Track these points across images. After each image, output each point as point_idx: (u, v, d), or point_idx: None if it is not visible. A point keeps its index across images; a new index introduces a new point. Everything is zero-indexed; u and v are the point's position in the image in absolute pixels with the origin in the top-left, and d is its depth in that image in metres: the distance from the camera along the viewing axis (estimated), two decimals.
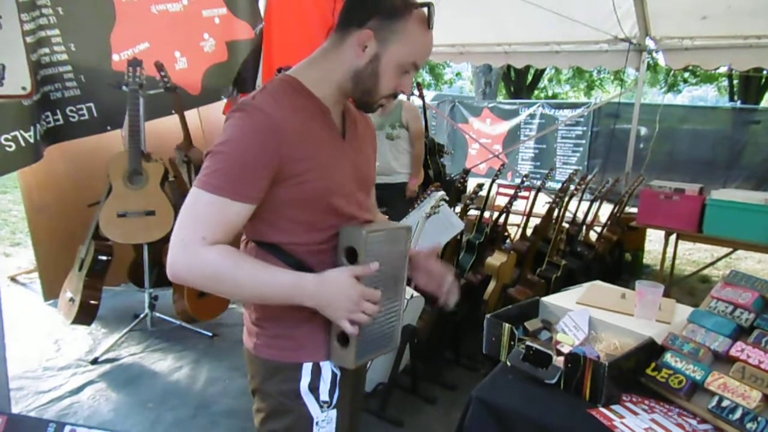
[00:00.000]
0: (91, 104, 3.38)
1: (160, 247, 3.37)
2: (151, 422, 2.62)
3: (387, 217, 1.50)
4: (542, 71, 15.42)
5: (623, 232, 5.14)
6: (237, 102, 1.13)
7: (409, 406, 2.82)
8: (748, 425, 1.27)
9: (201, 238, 1.04)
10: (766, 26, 4.81)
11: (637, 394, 1.48)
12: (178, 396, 2.86)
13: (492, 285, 3.42)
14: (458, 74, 21.08)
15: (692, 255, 6.44)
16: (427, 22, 1.14)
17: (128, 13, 3.42)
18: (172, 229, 3.03)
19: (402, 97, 4.03)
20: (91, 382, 2.94)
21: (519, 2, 4.87)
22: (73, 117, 3.35)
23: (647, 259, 5.87)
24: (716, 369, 1.44)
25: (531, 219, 4.14)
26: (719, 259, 5.49)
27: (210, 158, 1.08)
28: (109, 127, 3.51)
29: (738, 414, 1.30)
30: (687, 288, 5.20)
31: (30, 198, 3.87)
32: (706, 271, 5.55)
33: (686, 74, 15.61)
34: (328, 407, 1.21)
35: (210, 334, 3.51)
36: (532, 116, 11.15)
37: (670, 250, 4.48)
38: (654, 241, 5.87)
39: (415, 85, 4.02)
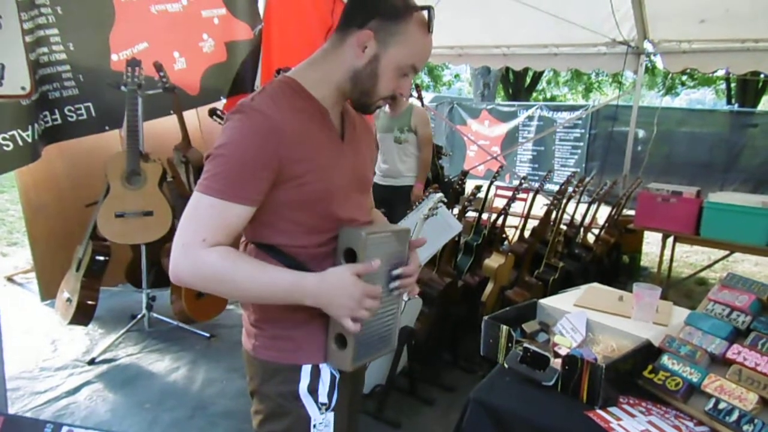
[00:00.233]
0: (90, 104, 3.38)
1: (158, 248, 3.37)
2: (149, 423, 2.61)
3: (386, 217, 1.50)
4: (540, 73, 15.45)
5: (621, 234, 5.15)
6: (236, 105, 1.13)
7: (406, 407, 2.82)
8: (745, 427, 1.28)
9: (201, 240, 1.04)
10: (764, 30, 4.83)
11: (634, 396, 1.49)
12: (175, 397, 2.85)
13: (490, 287, 3.43)
14: (457, 76, 21.14)
15: (689, 257, 6.46)
16: (427, 26, 1.15)
17: (127, 13, 3.42)
18: (170, 230, 3.01)
19: (414, 101, 4.05)
20: (88, 383, 2.93)
21: (518, 5, 4.88)
22: (72, 117, 3.34)
23: (645, 262, 5.88)
24: (713, 371, 1.44)
25: (529, 221, 4.15)
26: (716, 262, 5.50)
27: (210, 161, 1.08)
28: (107, 127, 3.50)
29: (735, 416, 1.31)
30: (684, 290, 5.21)
31: (27, 197, 3.86)
32: (703, 274, 5.56)
33: (684, 77, 15.66)
34: (327, 409, 1.21)
35: (207, 335, 3.51)
36: (530, 118, 11.17)
37: (667, 252, 4.49)
38: (651, 243, 5.88)
39: (413, 86, 4.03)
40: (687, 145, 9.45)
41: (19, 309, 3.82)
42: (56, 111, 3.29)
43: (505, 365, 1.61)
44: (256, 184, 1.07)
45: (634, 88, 6.57)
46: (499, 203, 4.33)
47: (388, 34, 1.12)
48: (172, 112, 3.56)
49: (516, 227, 4.86)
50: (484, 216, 3.89)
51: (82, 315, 3.27)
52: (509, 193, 3.79)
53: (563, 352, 1.59)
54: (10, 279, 4.41)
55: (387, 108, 3.88)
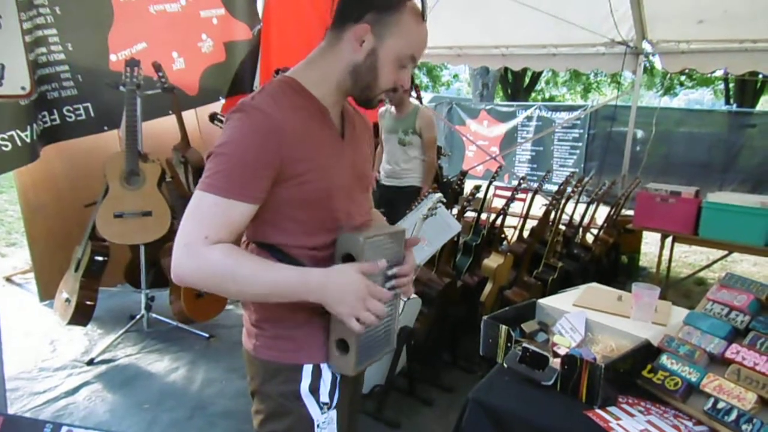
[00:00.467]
0: (88, 104, 3.38)
1: (157, 248, 3.37)
2: (148, 423, 2.61)
3: (387, 217, 1.50)
4: (539, 74, 15.46)
5: (620, 234, 5.16)
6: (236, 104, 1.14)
7: (406, 407, 2.82)
8: (744, 427, 1.28)
9: (203, 238, 1.04)
10: (762, 30, 4.84)
11: (633, 395, 1.49)
12: (174, 397, 2.85)
13: (489, 287, 3.43)
14: (456, 76, 21.16)
15: (688, 257, 6.46)
16: (421, 14, 1.15)
17: (126, 13, 3.42)
18: (169, 230, 3.01)
19: (419, 104, 4.05)
20: (87, 383, 2.93)
21: (516, 5, 4.88)
22: (70, 117, 3.34)
23: (643, 262, 5.89)
24: (712, 371, 1.44)
25: (528, 221, 4.15)
26: (715, 262, 5.51)
27: (211, 160, 1.08)
28: (106, 128, 3.51)
29: (733, 416, 1.31)
30: (683, 290, 5.21)
31: (26, 198, 3.85)
32: (701, 274, 5.57)
33: (682, 77, 15.68)
34: (329, 408, 1.21)
35: (207, 335, 3.50)
36: (529, 118, 11.18)
37: (666, 252, 4.50)
38: (650, 243, 5.88)
39: (413, 87, 4.03)
40: (685, 145, 9.46)
41: (17, 309, 3.82)
42: (55, 111, 3.29)
43: (505, 365, 1.61)
44: (258, 182, 1.07)
45: (632, 88, 6.58)
46: (498, 203, 4.33)
47: (385, 27, 1.13)
48: (170, 112, 3.56)
49: (515, 227, 4.86)
50: (483, 216, 3.89)
51: (81, 315, 3.27)
52: (508, 193, 3.79)
53: (562, 351, 1.59)
54: (8, 279, 4.41)
55: (393, 109, 3.88)
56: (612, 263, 5.24)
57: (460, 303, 3.31)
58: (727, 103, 13.85)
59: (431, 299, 2.98)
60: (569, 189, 4.19)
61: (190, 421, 2.65)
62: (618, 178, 5.88)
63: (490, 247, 3.60)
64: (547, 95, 19.52)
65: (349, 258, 1.14)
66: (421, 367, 3.03)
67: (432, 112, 4.16)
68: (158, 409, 2.73)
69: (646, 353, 1.57)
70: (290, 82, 1.17)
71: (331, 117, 1.21)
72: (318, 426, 1.19)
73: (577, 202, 4.53)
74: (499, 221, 3.74)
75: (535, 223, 4.03)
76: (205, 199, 1.06)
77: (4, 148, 2.90)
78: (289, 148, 1.09)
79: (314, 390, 1.19)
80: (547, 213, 3.88)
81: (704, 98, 21.11)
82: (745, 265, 6.32)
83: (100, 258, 3.28)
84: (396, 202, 3.70)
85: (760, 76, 8.64)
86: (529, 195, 4.30)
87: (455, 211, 3.39)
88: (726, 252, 5.09)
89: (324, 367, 1.20)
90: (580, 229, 4.62)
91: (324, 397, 1.20)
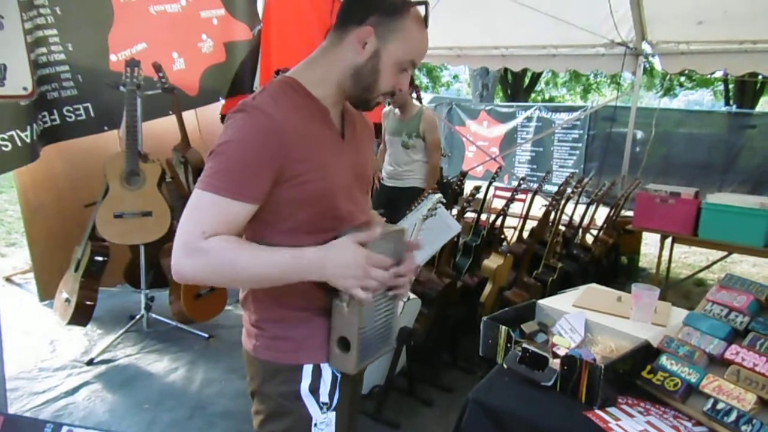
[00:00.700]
0: (89, 104, 3.38)
1: (156, 248, 3.37)
2: (148, 423, 2.61)
3: (388, 218, 1.50)
4: (539, 74, 15.46)
5: (619, 235, 5.16)
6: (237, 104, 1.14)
7: (405, 408, 2.82)
8: (743, 428, 1.28)
9: (201, 233, 1.04)
10: (762, 31, 4.85)
11: (632, 396, 1.49)
12: (174, 397, 2.85)
13: (488, 287, 3.43)
14: (455, 77, 21.16)
15: (688, 258, 6.47)
16: (424, 21, 1.16)
17: (126, 14, 3.43)
18: (168, 230, 3.01)
19: (424, 106, 4.06)
20: (86, 383, 2.93)
21: (516, 6, 4.88)
22: (70, 117, 3.34)
23: (643, 263, 5.89)
24: (711, 372, 1.45)
25: (527, 222, 4.15)
26: (714, 263, 5.51)
27: (211, 159, 1.08)
28: (106, 128, 3.51)
29: (733, 416, 1.31)
30: (682, 291, 5.22)
31: (26, 198, 3.85)
32: (701, 275, 5.57)
33: (682, 78, 15.69)
34: (328, 409, 1.21)
35: (206, 335, 3.50)
36: (528, 119, 11.18)
37: (665, 253, 4.50)
38: (650, 244, 5.88)
39: (413, 88, 4.03)
40: (685, 146, 9.46)
41: (17, 309, 3.82)
42: (55, 111, 3.29)
43: (504, 365, 1.61)
44: (257, 182, 1.08)
45: (632, 89, 6.58)
46: (498, 204, 4.34)
47: (387, 30, 1.13)
48: (171, 112, 3.56)
49: (515, 228, 4.86)
50: (483, 217, 3.89)
51: (81, 315, 3.27)
52: (508, 194, 3.79)
53: (562, 352, 1.60)
54: (8, 279, 4.40)
55: (397, 110, 3.89)
56: (612, 264, 5.24)
57: (460, 303, 3.31)
58: (727, 104, 13.86)
59: (431, 300, 2.98)
60: (569, 190, 4.19)
61: (190, 421, 2.65)
62: (618, 178, 5.88)
63: (489, 248, 3.60)
64: (546, 96, 19.54)
65: None
66: (420, 368, 3.03)
67: (433, 113, 4.17)
68: (158, 409, 2.73)
69: (646, 354, 1.58)
70: (291, 82, 1.17)
71: (332, 117, 1.21)
72: (315, 425, 1.19)
73: (577, 202, 4.54)
74: (498, 222, 3.74)
75: (534, 223, 4.03)
76: (203, 197, 1.06)
77: (4, 149, 2.90)
78: (290, 148, 1.09)
79: (314, 390, 1.19)
80: (546, 214, 3.89)
81: (704, 99, 21.12)
82: (745, 265, 6.32)
83: (99, 258, 3.28)
84: (397, 202, 3.70)
85: (760, 77, 8.63)
86: (529, 196, 4.31)
87: (455, 211, 3.39)
88: (725, 253, 5.08)
89: (324, 367, 1.20)
90: (580, 230, 4.62)
91: (324, 398, 1.20)
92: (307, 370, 1.19)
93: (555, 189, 4.28)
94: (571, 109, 11.59)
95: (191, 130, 3.75)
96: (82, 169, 3.79)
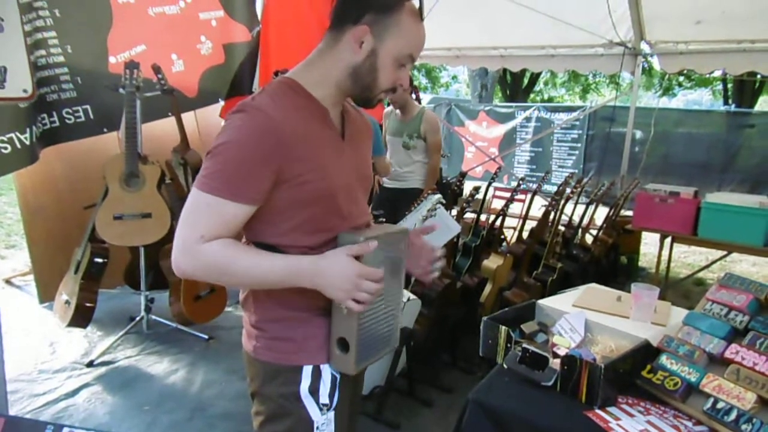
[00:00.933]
0: (88, 106, 3.38)
1: (156, 250, 3.37)
2: (147, 425, 2.61)
3: (383, 219, 1.50)
4: (538, 75, 15.48)
5: (619, 235, 5.17)
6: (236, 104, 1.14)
7: (405, 408, 2.82)
8: (743, 427, 1.28)
9: (200, 237, 1.06)
10: (760, 30, 4.85)
11: (632, 396, 1.49)
12: (174, 399, 2.85)
13: (488, 288, 3.43)
14: (454, 77, 21.16)
15: (687, 258, 6.47)
16: (419, 14, 1.17)
17: (125, 16, 3.43)
18: (168, 232, 3.01)
19: (425, 106, 4.06)
20: (86, 385, 2.93)
21: (515, 6, 4.89)
22: (70, 119, 3.34)
23: (643, 262, 5.90)
24: (711, 371, 1.45)
25: (527, 222, 4.15)
26: (714, 262, 5.52)
27: (209, 159, 1.09)
28: (105, 130, 3.50)
29: (733, 416, 1.31)
30: (682, 291, 5.22)
31: (26, 200, 3.85)
32: (701, 274, 5.57)
33: (681, 78, 15.70)
34: (328, 410, 1.21)
35: (206, 337, 3.50)
36: (528, 120, 11.18)
37: (665, 253, 4.50)
38: (649, 244, 5.89)
39: (412, 88, 4.03)
40: (684, 145, 9.47)
41: (17, 311, 3.81)
42: (54, 113, 3.28)
43: (504, 366, 1.61)
44: (255, 183, 1.08)
45: (631, 89, 6.59)
46: (498, 204, 4.35)
47: (383, 27, 1.13)
48: (170, 114, 3.56)
49: (514, 228, 4.86)
50: (483, 217, 3.90)
51: (81, 317, 3.27)
52: (507, 195, 3.79)
53: (562, 352, 1.60)
54: (8, 281, 4.40)
55: (398, 111, 3.89)
56: (611, 264, 5.25)
57: (460, 304, 3.31)
58: (726, 103, 13.87)
59: (431, 300, 2.98)
60: (568, 190, 4.20)
61: (190, 422, 2.65)
62: (617, 178, 5.89)
63: (489, 248, 3.60)
64: (545, 96, 19.54)
65: None
66: (421, 368, 3.03)
67: (434, 114, 4.18)
68: (158, 411, 2.73)
69: (646, 353, 1.58)
70: (290, 83, 1.17)
71: (332, 117, 1.21)
72: (317, 427, 1.20)
73: (576, 202, 4.54)
74: (498, 222, 3.74)
75: (534, 224, 4.03)
76: (201, 198, 1.07)
77: (3, 151, 2.90)
78: (289, 148, 1.09)
79: (314, 391, 1.20)
80: (546, 214, 3.89)
81: (703, 99, 21.14)
82: (745, 265, 6.32)
83: (99, 260, 3.28)
84: (398, 204, 3.70)
85: (759, 76, 8.65)
86: (528, 196, 4.31)
87: (455, 212, 3.39)
88: (725, 252, 5.09)
89: (324, 368, 1.20)
90: (580, 230, 4.63)
91: (324, 398, 1.20)
92: (307, 371, 1.19)
93: (554, 189, 4.29)
94: (570, 109, 11.60)
95: (190, 132, 3.75)
96: (82, 171, 3.79)
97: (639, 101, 10.49)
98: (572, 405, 1.43)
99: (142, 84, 3.23)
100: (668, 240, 4.33)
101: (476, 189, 3.22)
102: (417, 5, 1.17)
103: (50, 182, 3.85)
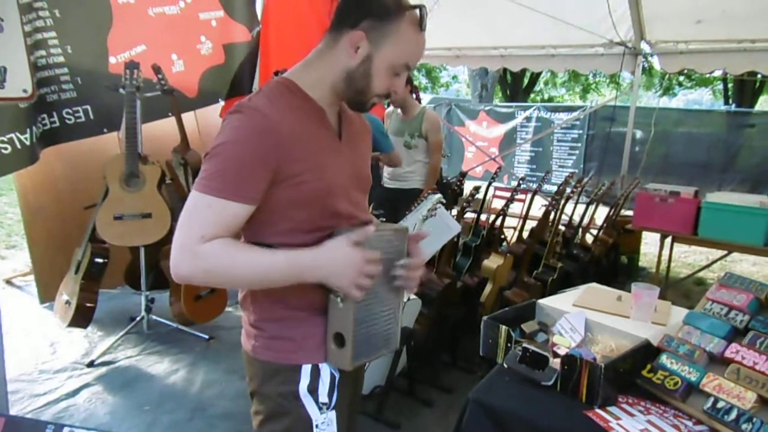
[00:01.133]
0: (88, 106, 3.38)
1: (156, 250, 3.37)
2: (148, 425, 2.61)
3: (384, 219, 1.50)
4: (538, 74, 15.47)
5: (619, 234, 5.16)
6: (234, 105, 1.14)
7: (406, 408, 2.82)
8: (743, 426, 1.28)
9: (199, 237, 1.05)
10: (761, 30, 4.85)
11: (633, 395, 1.49)
12: (174, 399, 2.85)
13: (489, 287, 3.43)
14: (454, 77, 21.16)
15: (688, 258, 6.47)
16: (420, 24, 1.15)
17: (125, 16, 3.43)
18: (168, 232, 3.02)
19: (426, 106, 4.07)
20: (87, 385, 2.93)
21: (515, 6, 4.89)
22: (70, 119, 3.34)
23: (643, 262, 5.89)
24: (711, 370, 1.45)
25: (527, 222, 4.15)
26: (714, 262, 5.51)
27: (208, 160, 1.09)
28: (105, 130, 3.51)
29: (733, 415, 1.31)
30: (682, 290, 5.22)
31: (26, 200, 3.85)
32: (701, 274, 5.57)
33: (681, 78, 15.70)
34: (327, 409, 1.21)
35: (207, 336, 3.50)
36: (528, 119, 11.18)
37: (665, 252, 4.50)
38: (650, 243, 5.88)
39: (411, 89, 4.03)
40: (684, 145, 9.47)
41: (18, 312, 3.81)
42: (54, 114, 3.29)
43: (505, 365, 1.61)
44: (254, 182, 1.08)
45: (631, 88, 6.59)
46: (498, 204, 4.34)
47: (380, 34, 1.13)
48: (170, 114, 3.56)
49: (514, 228, 4.86)
50: (483, 217, 3.90)
51: (81, 317, 3.27)
52: (507, 194, 3.79)
53: (562, 351, 1.60)
54: (8, 282, 4.40)
55: (399, 111, 3.89)
56: (611, 263, 5.25)
57: (460, 304, 3.31)
58: (726, 103, 13.87)
59: (431, 300, 2.98)
60: (568, 189, 4.20)
61: (190, 422, 2.65)
62: (617, 178, 5.89)
63: (489, 248, 3.60)
64: (546, 96, 19.53)
65: None
66: (421, 368, 3.03)
67: (435, 114, 4.18)
68: (158, 411, 2.73)
69: (646, 353, 1.58)
70: (287, 83, 1.18)
71: (328, 118, 1.21)
72: (317, 426, 1.20)
73: (577, 202, 4.54)
74: (498, 222, 3.74)
75: (534, 223, 4.03)
76: (201, 199, 1.07)
77: (3, 151, 2.90)
78: (286, 148, 1.09)
79: (313, 390, 1.20)
80: (546, 214, 3.89)
81: (703, 98, 21.12)
82: (745, 264, 6.32)
83: (100, 260, 3.28)
84: (398, 204, 3.70)
85: (759, 76, 8.65)
86: (529, 196, 4.31)
87: (455, 212, 3.39)
88: (725, 252, 5.09)
89: (322, 367, 1.20)
90: (580, 230, 4.62)
91: (323, 398, 1.20)
92: (306, 370, 1.19)
93: (554, 189, 4.28)
94: (570, 109, 11.60)
95: (191, 132, 3.76)
96: (82, 171, 3.79)
97: (639, 101, 10.49)
98: (572, 404, 1.43)
99: (142, 84, 3.23)
100: (668, 240, 4.33)
101: (476, 189, 3.22)
102: (419, 15, 1.14)
103: (50, 182, 3.85)
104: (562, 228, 4.45)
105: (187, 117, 3.78)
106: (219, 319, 3.59)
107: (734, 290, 1.63)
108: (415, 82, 5.79)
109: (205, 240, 1.05)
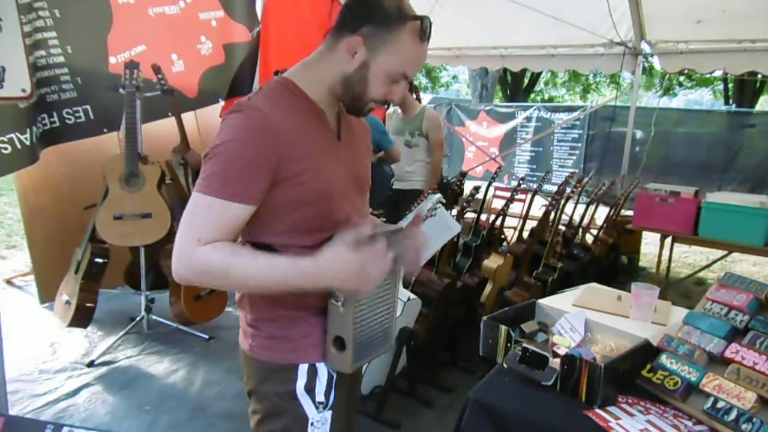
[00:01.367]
0: (88, 106, 3.37)
1: (156, 250, 3.37)
2: (148, 425, 2.61)
3: (385, 219, 1.50)
4: (538, 74, 15.47)
5: (619, 234, 5.16)
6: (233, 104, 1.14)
7: (405, 408, 2.82)
8: (743, 426, 1.28)
9: (197, 240, 1.05)
10: (761, 30, 4.85)
11: (632, 395, 1.49)
12: (174, 399, 2.85)
13: (489, 287, 3.43)
14: (455, 77, 21.16)
15: (688, 258, 6.47)
16: (421, 35, 1.13)
17: (125, 16, 3.42)
18: (168, 232, 3.01)
19: (426, 105, 4.07)
20: (87, 385, 2.93)
21: (515, 6, 4.89)
22: (70, 119, 3.34)
23: (643, 262, 5.89)
24: (711, 370, 1.44)
25: (527, 222, 4.15)
26: (714, 262, 5.51)
27: (208, 161, 1.09)
28: (105, 130, 3.50)
29: (733, 415, 1.31)
30: (682, 290, 5.22)
31: (26, 200, 3.85)
32: (701, 274, 5.57)
33: (681, 78, 15.69)
34: (324, 408, 1.21)
35: (207, 336, 3.50)
36: (528, 119, 11.18)
37: (665, 252, 4.50)
38: (650, 243, 5.88)
39: (411, 89, 4.03)
40: (685, 145, 9.47)
41: (18, 312, 3.82)
42: (54, 114, 3.28)
43: (504, 365, 1.61)
44: (254, 182, 1.08)
45: (631, 88, 6.58)
46: (498, 204, 4.35)
47: (379, 41, 1.12)
48: (170, 114, 3.56)
49: (514, 228, 4.86)
50: (483, 217, 3.90)
51: (81, 317, 3.27)
52: (508, 194, 3.80)
53: (562, 351, 1.60)
54: (8, 282, 4.40)
55: (400, 110, 3.89)
56: (612, 263, 5.25)
57: (460, 304, 3.31)
58: (726, 103, 13.86)
59: (431, 300, 2.98)
60: (569, 189, 4.20)
61: (190, 422, 2.65)
62: (617, 178, 5.89)
63: (489, 248, 3.60)
64: (546, 96, 19.53)
65: None
66: (421, 368, 3.03)
67: (435, 112, 4.18)
68: (158, 411, 2.73)
69: (646, 353, 1.58)
70: (286, 83, 1.18)
71: (327, 118, 1.21)
72: (312, 424, 1.19)
73: (577, 202, 4.54)
74: (498, 222, 3.74)
75: (534, 223, 4.03)
76: (201, 201, 1.06)
77: (3, 151, 2.90)
78: (285, 147, 1.09)
79: (310, 389, 1.20)
80: (546, 213, 3.89)
81: (703, 98, 21.10)
82: (745, 264, 6.32)
83: (100, 260, 3.28)
84: (400, 204, 3.70)
85: (759, 75, 8.64)
86: (529, 196, 4.31)
87: (455, 211, 3.39)
88: (725, 252, 5.09)
89: (319, 366, 1.21)
90: (580, 230, 4.62)
91: (320, 397, 1.20)
92: (303, 369, 1.19)
93: (555, 189, 4.28)
94: (570, 109, 11.59)
95: (191, 132, 3.75)
96: (82, 171, 3.78)
97: (639, 101, 10.48)
98: (572, 404, 1.43)
99: (142, 84, 3.23)
100: (669, 240, 4.33)
101: (476, 189, 3.22)
102: (421, 25, 1.12)
103: (50, 182, 3.85)
104: (563, 228, 4.45)
105: (187, 117, 3.77)
106: (219, 319, 3.59)
107: (734, 290, 1.63)
108: (415, 82, 5.79)
109: (203, 243, 1.04)
